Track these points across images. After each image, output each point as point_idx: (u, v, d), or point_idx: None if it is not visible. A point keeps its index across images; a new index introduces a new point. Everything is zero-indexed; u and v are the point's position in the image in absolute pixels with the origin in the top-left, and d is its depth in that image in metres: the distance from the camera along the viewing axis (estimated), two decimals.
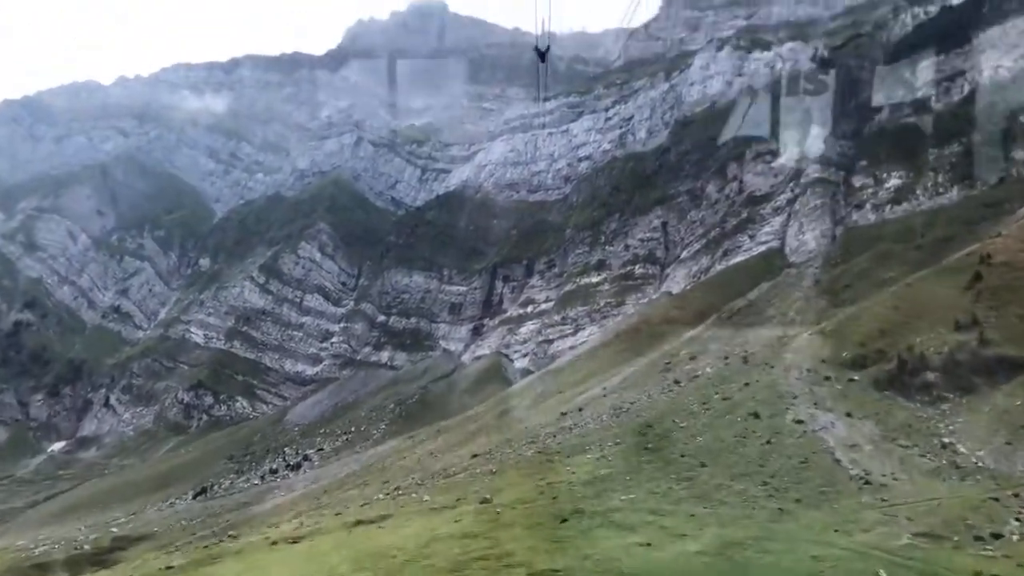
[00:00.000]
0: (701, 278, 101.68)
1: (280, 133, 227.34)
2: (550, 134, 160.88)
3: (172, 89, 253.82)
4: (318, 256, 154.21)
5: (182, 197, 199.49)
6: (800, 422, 41.20)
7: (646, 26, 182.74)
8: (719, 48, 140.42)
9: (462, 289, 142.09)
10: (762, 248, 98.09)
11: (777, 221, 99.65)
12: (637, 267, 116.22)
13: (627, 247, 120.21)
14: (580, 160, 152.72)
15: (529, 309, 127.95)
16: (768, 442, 39.12)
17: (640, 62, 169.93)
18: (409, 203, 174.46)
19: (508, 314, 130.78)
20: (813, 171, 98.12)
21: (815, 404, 43.96)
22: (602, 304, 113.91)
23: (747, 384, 49.79)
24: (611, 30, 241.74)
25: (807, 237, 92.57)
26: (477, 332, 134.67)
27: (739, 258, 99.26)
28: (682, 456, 39.42)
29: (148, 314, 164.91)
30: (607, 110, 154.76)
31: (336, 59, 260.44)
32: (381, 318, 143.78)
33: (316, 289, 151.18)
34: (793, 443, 38.78)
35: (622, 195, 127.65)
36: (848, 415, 42.11)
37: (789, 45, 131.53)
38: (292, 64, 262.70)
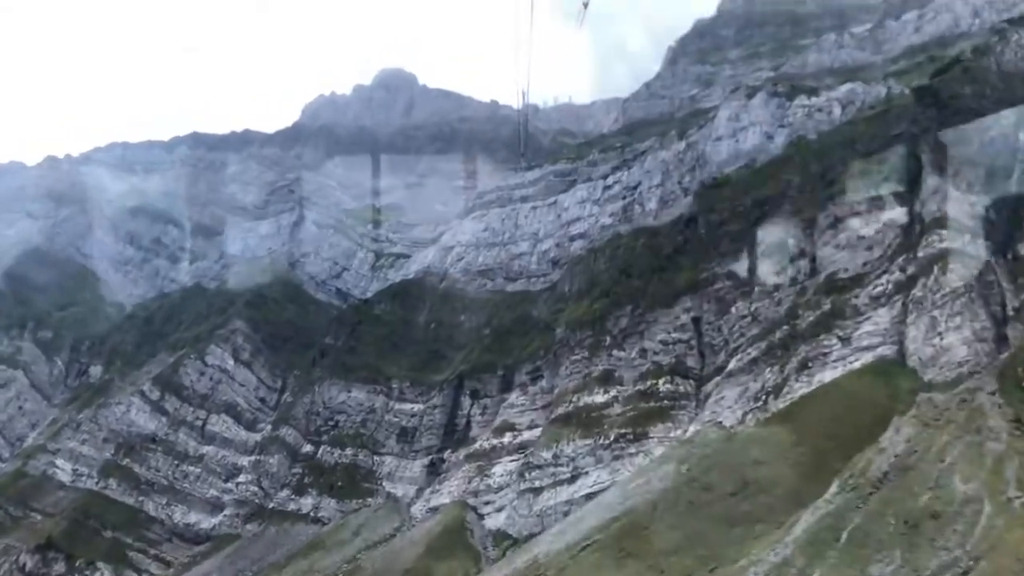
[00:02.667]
0: (769, 403, 66.19)
1: (217, 216, 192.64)
2: (534, 208, 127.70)
3: (104, 169, 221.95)
4: (230, 364, 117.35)
5: (85, 290, 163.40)
6: None
7: (647, 85, 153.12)
8: (749, 96, 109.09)
9: (416, 408, 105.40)
10: (866, 357, 63.14)
11: (884, 316, 64.93)
12: (661, 382, 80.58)
13: (644, 352, 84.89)
14: (572, 239, 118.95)
15: (506, 439, 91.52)
16: None
17: (643, 123, 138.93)
18: (358, 295, 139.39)
19: (477, 445, 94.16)
20: (938, 240, 63.98)
21: None
22: (613, 437, 77.73)
23: None
24: (601, 100, 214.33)
25: (949, 341, 57.73)
26: (434, 470, 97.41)
27: (830, 372, 64.13)
28: None
29: (12, 439, 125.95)
30: (605, 177, 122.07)
31: (290, 136, 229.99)
32: (307, 448, 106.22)
33: (224, 408, 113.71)
34: None
35: (632, 281, 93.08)
36: None
37: (847, 87, 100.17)
38: (241, 142, 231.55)
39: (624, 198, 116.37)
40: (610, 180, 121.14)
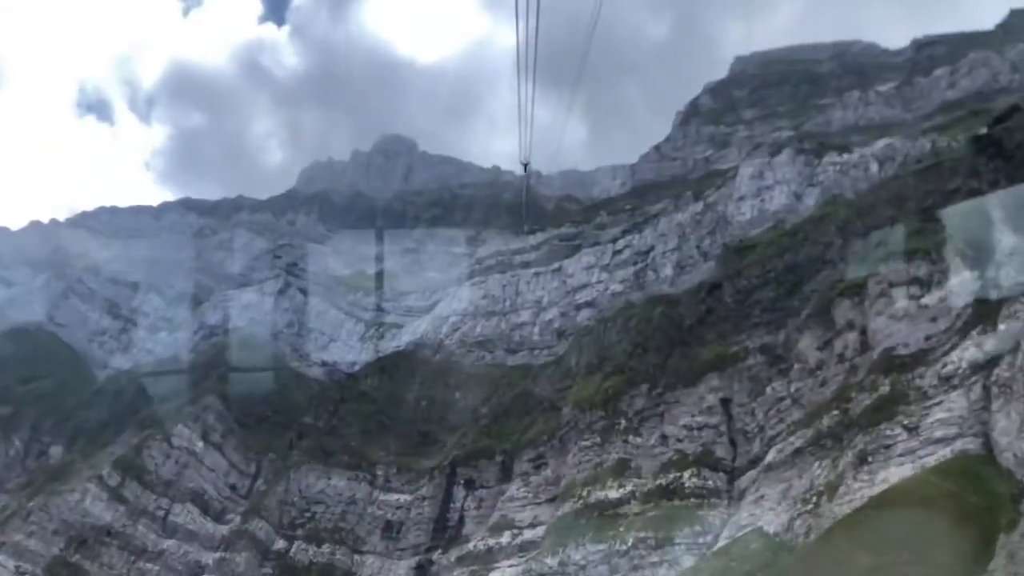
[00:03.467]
0: (822, 506, 54.25)
1: (203, 285, 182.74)
2: (536, 274, 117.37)
3: (89, 235, 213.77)
4: (199, 446, 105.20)
5: (54, 362, 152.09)
6: None
7: (657, 148, 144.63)
8: (773, 153, 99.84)
9: (403, 499, 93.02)
10: (943, 452, 51.50)
11: (959, 401, 53.51)
12: (687, 475, 68.58)
13: (665, 439, 73.15)
14: (579, 307, 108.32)
15: (505, 538, 79.04)
16: None
17: (653, 186, 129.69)
18: (345, 368, 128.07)
19: (471, 545, 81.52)
20: None
21: None
22: (631, 542, 65.26)
23: None
24: (607, 166, 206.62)
25: None
26: (423, 573, 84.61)
27: (897, 469, 52.37)
28: None
29: None
30: (614, 241, 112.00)
31: (284, 202, 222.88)
32: (279, 544, 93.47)
33: (190, 496, 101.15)
34: None
35: (649, 356, 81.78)
36: None
37: (883, 142, 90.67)
38: (232, 208, 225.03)
39: (635, 263, 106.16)
40: (619, 244, 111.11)
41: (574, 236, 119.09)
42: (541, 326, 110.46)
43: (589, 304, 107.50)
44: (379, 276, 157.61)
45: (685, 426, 72.97)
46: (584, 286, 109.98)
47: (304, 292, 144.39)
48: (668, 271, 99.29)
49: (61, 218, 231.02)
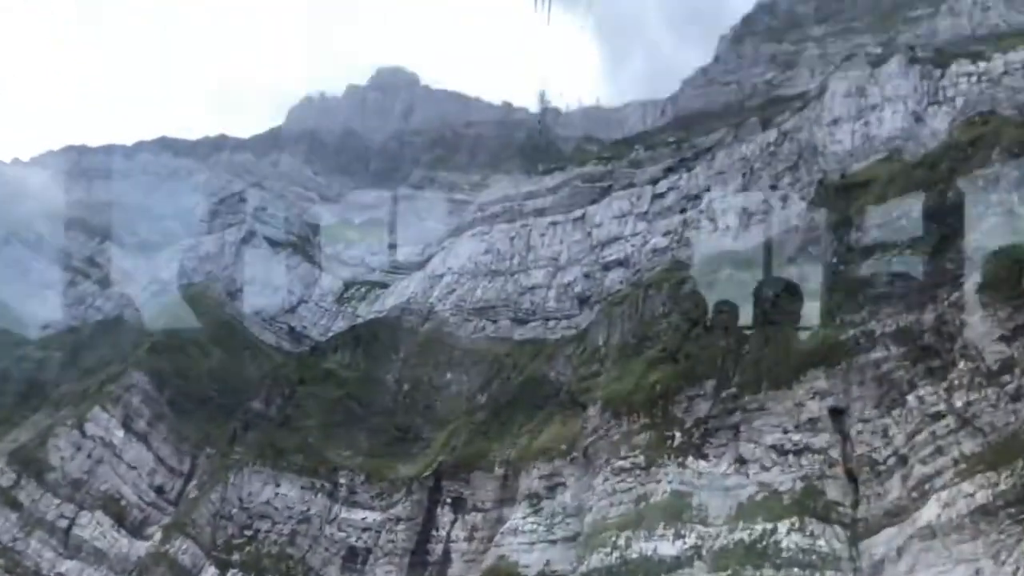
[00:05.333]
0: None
1: (169, 231, 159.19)
2: (553, 224, 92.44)
3: (52, 175, 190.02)
4: (119, 436, 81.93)
5: None
6: None
7: (704, 71, 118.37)
8: (875, 64, 74.10)
9: (372, 518, 69.53)
10: None
11: None
12: (783, 528, 44.34)
13: (743, 465, 48.99)
14: (607, 266, 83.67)
15: None
16: None
17: (701, 115, 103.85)
18: (317, 336, 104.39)
19: None
20: None
21: None
22: None
23: None
24: (636, 102, 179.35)
25: None
26: None
27: None
28: None
29: None
30: (655, 182, 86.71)
31: (267, 141, 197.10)
32: (209, 572, 70.66)
33: (102, 502, 78.19)
34: None
35: (715, 339, 57.11)
36: None
37: None
38: (212, 148, 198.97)
39: (683, 210, 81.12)
40: (661, 185, 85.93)
41: (601, 176, 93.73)
42: (558, 290, 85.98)
43: (621, 263, 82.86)
44: (366, 226, 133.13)
45: (775, 448, 48.78)
46: (615, 239, 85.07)
47: (273, 243, 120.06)
48: (731, 219, 74.31)
49: (26, 158, 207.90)
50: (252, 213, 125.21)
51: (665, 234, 79.55)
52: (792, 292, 56.02)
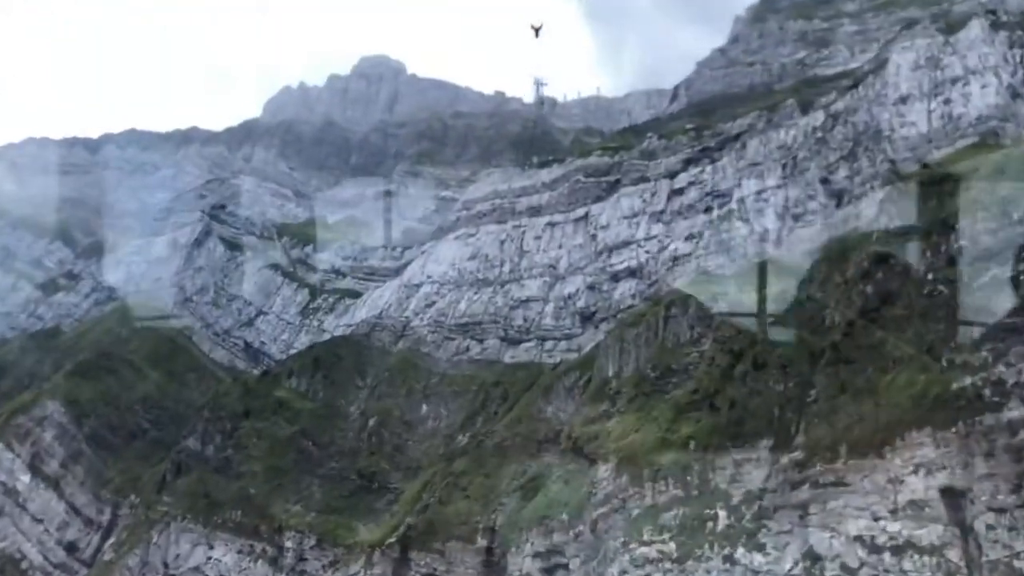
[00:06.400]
0: None
1: (129, 229, 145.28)
2: (550, 225, 78.17)
3: (8, 169, 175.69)
4: (24, 481, 67.81)
5: None
6: None
7: (722, 51, 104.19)
8: (948, 31, 60.11)
9: None
10: None
11: None
12: None
13: (816, 564, 35.10)
14: (617, 276, 69.45)
15: None
16: None
17: (723, 99, 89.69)
18: (278, 353, 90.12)
19: None
20: None
21: None
22: None
23: None
24: (639, 91, 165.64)
25: None
26: None
27: None
28: None
29: None
30: (672, 175, 72.44)
31: (241, 134, 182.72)
32: None
33: (1, 563, 64.09)
34: None
35: (769, 379, 42.93)
36: None
37: None
38: (182, 140, 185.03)
39: (709, 209, 66.94)
40: (681, 179, 71.65)
41: (608, 169, 79.44)
42: (557, 304, 71.83)
43: (632, 272, 68.70)
44: (341, 225, 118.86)
45: (862, 540, 34.73)
46: (625, 243, 70.83)
47: (231, 245, 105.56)
48: (770, 221, 60.33)
49: None
50: (210, 211, 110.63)
51: (688, 238, 65.38)
52: (870, 316, 41.92)
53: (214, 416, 69.16)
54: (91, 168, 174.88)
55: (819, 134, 62.19)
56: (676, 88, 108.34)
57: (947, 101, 54.22)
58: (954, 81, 55.14)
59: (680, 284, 60.56)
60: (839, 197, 56.39)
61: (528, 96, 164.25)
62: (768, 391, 41.71)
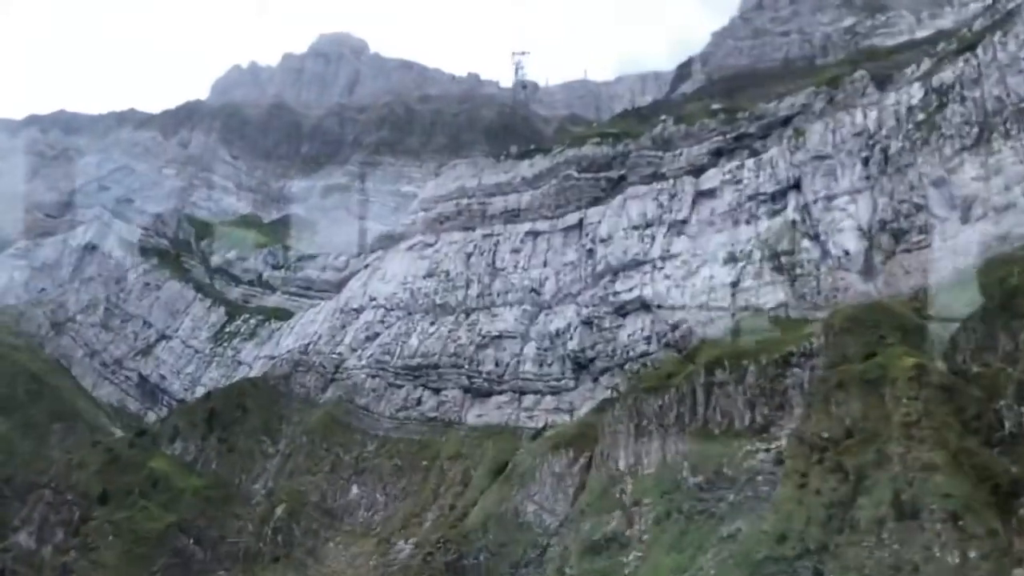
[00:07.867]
0: None
1: (38, 224, 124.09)
2: (532, 234, 58.86)
3: None
4: None
5: None
6: None
7: (745, 19, 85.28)
8: None
9: None
10: None
11: None
12: None
13: None
14: (623, 308, 50.47)
15: None
16: None
17: (752, 76, 70.76)
18: (180, 389, 70.18)
19: None
20: None
21: None
22: None
23: None
24: (632, 75, 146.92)
25: None
26: None
27: None
28: None
29: None
30: (698, 171, 53.56)
31: (180, 117, 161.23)
32: None
33: None
34: None
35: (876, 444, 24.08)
36: None
37: None
38: (117, 123, 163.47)
39: (752, 218, 47.99)
40: (710, 176, 52.66)
41: (608, 161, 60.19)
42: (540, 343, 52.51)
43: (645, 305, 49.49)
44: (277, 226, 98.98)
45: None
46: (635, 263, 51.64)
47: (138, 249, 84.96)
48: (850, 240, 41.53)
49: None
50: (113, 207, 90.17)
51: (728, 260, 46.27)
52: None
53: (58, 501, 49.01)
54: (7, 154, 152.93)
55: (920, 115, 43.33)
56: (687, 63, 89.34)
57: None
58: None
59: (720, 329, 41.56)
60: (967, 204, 37.63)
61: (505, 80, 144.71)
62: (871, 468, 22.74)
